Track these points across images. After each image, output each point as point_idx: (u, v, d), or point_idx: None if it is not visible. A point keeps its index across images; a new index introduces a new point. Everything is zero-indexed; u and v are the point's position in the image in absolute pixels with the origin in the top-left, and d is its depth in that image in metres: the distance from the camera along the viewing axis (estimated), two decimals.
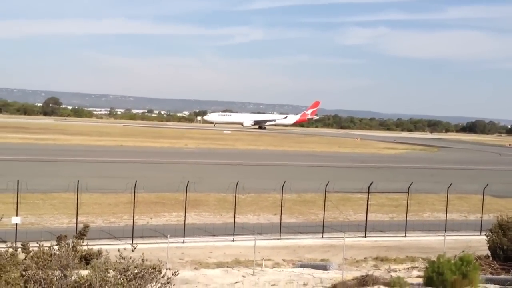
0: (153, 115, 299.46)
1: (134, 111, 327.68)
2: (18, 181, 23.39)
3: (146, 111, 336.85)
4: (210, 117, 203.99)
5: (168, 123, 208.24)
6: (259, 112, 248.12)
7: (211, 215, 31.69)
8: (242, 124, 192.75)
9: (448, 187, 30.12)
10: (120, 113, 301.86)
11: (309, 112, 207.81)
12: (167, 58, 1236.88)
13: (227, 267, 21.94)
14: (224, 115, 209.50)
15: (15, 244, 17.34)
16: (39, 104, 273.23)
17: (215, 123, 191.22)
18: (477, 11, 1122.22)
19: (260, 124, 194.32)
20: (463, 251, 21.29)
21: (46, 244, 15.90)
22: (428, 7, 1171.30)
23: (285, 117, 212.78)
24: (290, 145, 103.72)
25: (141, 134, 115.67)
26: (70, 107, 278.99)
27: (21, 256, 16.13)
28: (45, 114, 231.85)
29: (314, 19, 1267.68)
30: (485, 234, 23.50)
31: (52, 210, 30.67)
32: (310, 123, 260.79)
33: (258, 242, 23.34)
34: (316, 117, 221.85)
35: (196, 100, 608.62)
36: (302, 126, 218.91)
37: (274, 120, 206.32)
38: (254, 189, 37.86)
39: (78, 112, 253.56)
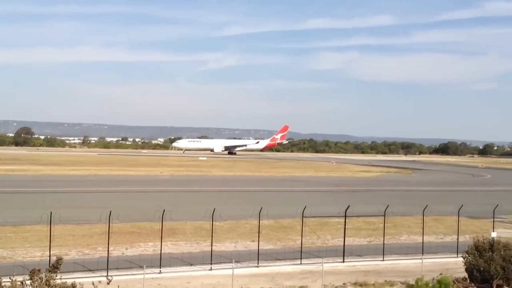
0: (127, 143, 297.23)
1: (109, 139, 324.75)
2: None
3: (120, 139, 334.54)
4: (179, 143, 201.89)
5: (143, 151, 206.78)
6: (234, 138, 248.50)
7: (188, 244, 31.26)
8: (212, 150, 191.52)
9: (424, 209, 30.36)
10: (94, 141, 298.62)
11: (278, 136, 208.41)
12: (141, 85, 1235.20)
13: None
14: (193, 141, 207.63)
15: None
16: (11, 135, 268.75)
17: (185, 150, 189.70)
18: (444, 34, 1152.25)
19: (230, 150, 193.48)
20: (440, 274, 21.44)
21: (19, 278, 15.46)
22: (396, 31, 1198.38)
23: (257, 142, 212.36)
24: (267, 170, 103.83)
25: (115, 163, 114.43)
26: (42, 137, 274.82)
27: None
28: (17, 144, 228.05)
29: (287, 44, 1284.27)
30: (461, 256, 23.71)
31: (24, 243, 29.87)
32: (285, 147, 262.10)
33: (236, 270, 23.09)
34: (285, 142, 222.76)
35: (171, 127, 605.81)
36: (272, 150, 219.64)
37: (245, 145, 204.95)
38: (231, 216, 37.60)
39: (50, 142, 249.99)
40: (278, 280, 24.34)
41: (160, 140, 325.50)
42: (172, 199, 50.15)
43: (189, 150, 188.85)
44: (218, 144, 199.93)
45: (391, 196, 58.44)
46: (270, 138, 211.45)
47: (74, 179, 71.90)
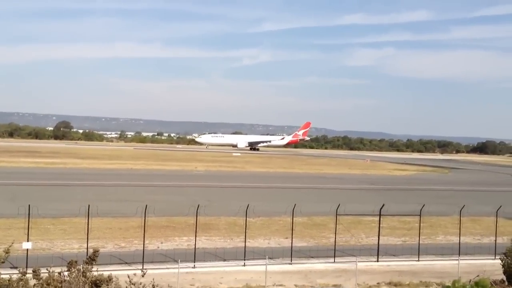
0: (163, 137, 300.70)
1: (144, 134, 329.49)
2: (29, 206, 23.43)
3: (156, 133, 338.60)
4: (202, 138, 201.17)
5: (178, 146, 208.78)
6: (268, 134, 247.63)
7: (221, 239, 31.50)
8: (235, 145, 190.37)
9: (461, 209, 29.78)
10: (130, 136, 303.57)
11: (300, 133, 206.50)
12: (176, 81, 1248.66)
13: None
14: (216, 136, 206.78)
15: (26, 270, 17.30)
16: (50, 128, 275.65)
17: (207, 145, 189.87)
18: (482, 30, 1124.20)
19: (253, 146, 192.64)
20: (478, 276, 20.97)
21: (57, 270, 15.88)
22: (433, 27, 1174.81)
23: (283, 138, 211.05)
24: (300, 167, 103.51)
25: (151, 157, 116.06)
26: (81, 131, 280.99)
27: (32, 282, 16.07)
28: (56, 138, 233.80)
29: (321, 41, 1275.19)
30: (499, 258, 23.14)
31: (62, 235, 30.66)
32: (320, 144, 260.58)
33: (269, 267, 23.15)
34: (307, 138, 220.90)
35: (205, 122, 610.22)
36: (295, 146, 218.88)
37: (269, 141, 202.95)
38: (264, 213, 37.68)
39: (88, 136, 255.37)
40: (311, 277, 24.29)
41: (195, 136, 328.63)
42: (207, 195, 50.58)
43: (212, 145, 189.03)
44: (242, 140, 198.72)
45: (427, 196, 57.45)
46: (292, 135, 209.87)
47: (111, 173, 73.28)
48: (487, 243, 32.18)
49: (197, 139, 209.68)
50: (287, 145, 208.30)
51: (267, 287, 21.64)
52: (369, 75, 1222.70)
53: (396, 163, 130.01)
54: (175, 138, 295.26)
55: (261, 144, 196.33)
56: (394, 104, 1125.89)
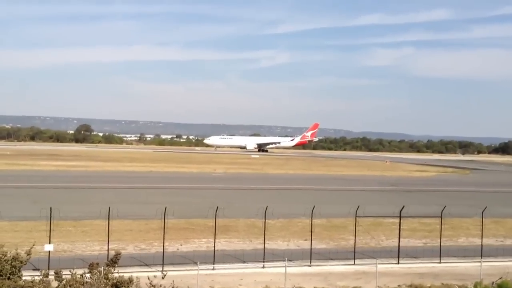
0: (181, 140, 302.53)
1: (163, 136, 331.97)
2: (50, 208, 23.73)
3: (175, 136, 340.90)
4: (210, 140, 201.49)
5: (197, 148, 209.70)
6: (286, 136, 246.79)
7: (240, 241, 31.52)
8: (244, 147, 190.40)
9: (483, 211, 29.36)
10: (149, 138, 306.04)
11: (308, 134, 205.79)
12: (194, 83, 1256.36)
13: None
14: (225, 138, 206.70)
15: (48, 272, 17.52)
16: (71, 132, 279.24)
17: (216, 147, 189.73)
18: (504, 29, 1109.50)
19: (262, 147, 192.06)
20: (500, 278, 20.68)
21: (79, 271, 16.05)
22: (453, 26, 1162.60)
23: (292, 139, 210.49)
24: (319, 168, 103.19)
25: (170, 159, 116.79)
26: (101, 134, 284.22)
27: (54, 284, 16.26)
28: (77, 141, 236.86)
29: (338, 41, 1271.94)
30: None
31: (84, 237, 30.98)
32: (338, 146, 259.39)
33: (288, 269, 23.09)
34: (315, 139, 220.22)
35: (223, 124, 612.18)
36: (303, 147, 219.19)
37: (279, 143, 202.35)
38: (283, 214, 37.61)
39: (108, 139, 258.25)
40: (331, 280, 24.17)
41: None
42: (225, 196, 50.67)
43: (220, 147, 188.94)
44: (250, 142, 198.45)
45: (448, 197, 56.79)
46: (301, 136, 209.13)
47: (131, 175, 73.90)
48: (510, 245, 31.76)
49: (205, 141, 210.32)
50: (295, 146, 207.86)
51: None
52: (387, 75, 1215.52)
53: (416, 164, 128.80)
54: (193, 140, 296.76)
55: (270, 146, 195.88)
56: (414, 104, 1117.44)
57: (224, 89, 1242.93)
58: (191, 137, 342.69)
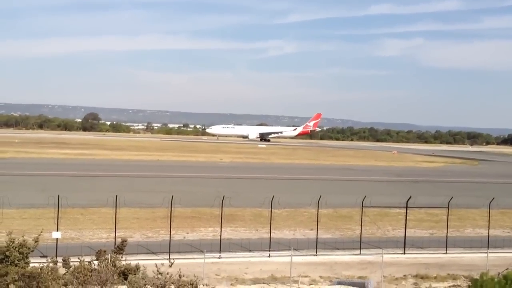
0: (188, 129, 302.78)
1: (170, 125, 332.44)
2: (58, 196, 23.88)
3: (182, 125, 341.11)
4: (212, 129, 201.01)
5: (204, 137, 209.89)
6: (293, 125, 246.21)
7: (246, 230, 31.62)
8: (246, 137, 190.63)
9: (490, 202, 29.26)
10: (156, 127, 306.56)
11: (311, 124, 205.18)
12: (202, 73, 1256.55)
13: (263, 283, 21.83)
14: (227, 127, 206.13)
15: (56, 259, 17.68)
16: (79, 120, 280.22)
17: (218, 136, 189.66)
18: None
19: (264, 137, 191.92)
20: (507, 269, 20.61)
21: (86, 259, 16.19)
22: (464, 17, 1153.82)
23: (295, 129, 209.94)
24: (326, 158, 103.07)
25: (177, 149, 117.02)
26: (108, 123, 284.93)
27: (62, 271, 16.42)
28: (85, 129, 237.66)
29: (347, 31, 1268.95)
30: None
31: (91, 225, 31.20)
32: (346, 136, 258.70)
33: (294, 258, 23.15)
34: (318, 129, 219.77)
35: (231, 114, 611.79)
36: (308, 137, 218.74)
37: (281, 132, 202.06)
38: (289, 204, 37.65)
39: (116, 127, 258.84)
40: (336, 269, 24.23)
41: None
42: (232, 186, 50.79)
43: (222, 136, 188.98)
44: (252, 131, 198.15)
45: (455, 188, 56.61)
46: (303, 126, 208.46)
47: (138, 164, 74.18)
48: None
49: (207, 130, 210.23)
50: (297, 136, 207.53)
51: (292, 278, 21.66)
52: (397, 66, 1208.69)
53: (424, 155, 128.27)
54: (200, 129, 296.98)
55: (272, 135, 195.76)
56: (422, 95, 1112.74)
57: (231, 79, 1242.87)
58: (198, 126, 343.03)
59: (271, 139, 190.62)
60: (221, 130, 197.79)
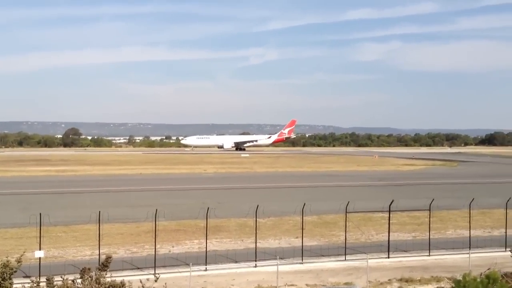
0: (171, 141, 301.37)
1: (153, 138, 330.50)
2: (40, 214, 23.67)
3: (164, 137, 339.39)
4: (187, 140, 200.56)
5: (186, 149, 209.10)
6: (275, 133, 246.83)
7: (232, 241, 31.63)
8: (222, 146, 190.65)
9: (470, 203, 29.73)
10: (139, 141, 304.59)
11: (286, 131, 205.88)
12: (183, 83, 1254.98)
13: None
14: (202, 138, 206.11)
15: (39, 279, 17.50)
16: (59, 136, 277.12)
17: (193, 147, 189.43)
18: (490, 20, 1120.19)
19: (239, 146, 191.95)
20: (489, 269, 20.95)
21: (70, 277, 16.07)
22: (440, 19, 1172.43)
23: (269, 137, 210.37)
24: (309, 165, 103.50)
25: (160, 161, 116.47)
26: (89, 137, 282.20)
27: None
28: (65, 145, 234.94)
29: (327, 37, 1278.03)
30: (510, 250, 23.14)
31: (74, 242, 30.92)
32: (328, 142, 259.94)
33: (280, 267, 23.24)
34: (293, 136, 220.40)
35: (213, 124, 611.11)
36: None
37: (256, 141, 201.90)
38: (274, 213, 37.78)
39: (97, 142, 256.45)
40: (322, 276, 24.37)
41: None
42: (216, 197, 50.74)
43: (198, 147, 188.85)
44: (227, 140, 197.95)
45: (436, 190, 57.32)
46: (278, 133, 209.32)
47: (120, 178, 73.63)
48: (497, 236, 32.13)
49: (182, 141, 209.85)
50: (274, 143, 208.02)
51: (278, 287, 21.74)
52: (376, 70, 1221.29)
53: (404, 158, 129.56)
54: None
55: (248, 144, 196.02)
56: (402, 98, 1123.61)
57: (213, 89, 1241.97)
58: (180, 137, 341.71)
59: (246, 148, 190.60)
60: (196, 140, 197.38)
